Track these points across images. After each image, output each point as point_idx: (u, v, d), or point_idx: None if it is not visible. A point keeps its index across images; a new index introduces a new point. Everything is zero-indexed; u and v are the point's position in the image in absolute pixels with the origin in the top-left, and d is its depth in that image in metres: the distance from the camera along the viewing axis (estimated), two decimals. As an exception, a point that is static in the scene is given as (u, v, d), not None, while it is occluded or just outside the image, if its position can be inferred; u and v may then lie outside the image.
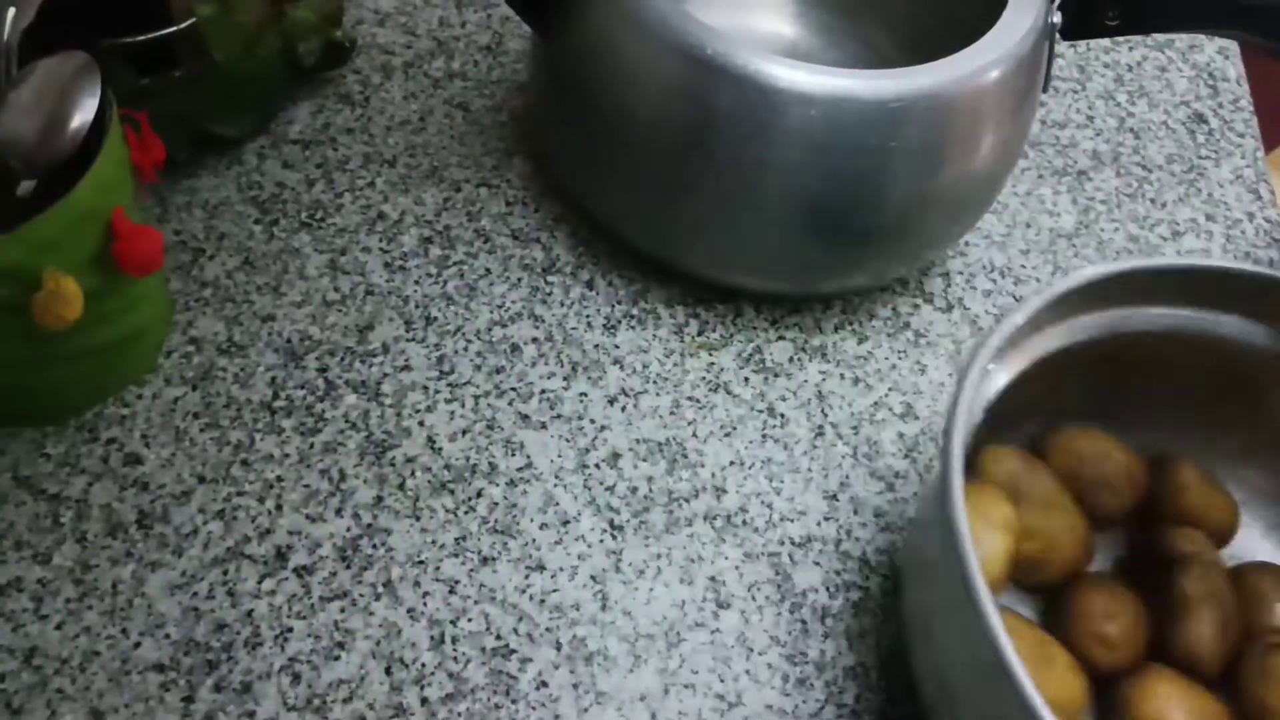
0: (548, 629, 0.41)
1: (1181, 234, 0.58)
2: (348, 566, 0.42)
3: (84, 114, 0.39)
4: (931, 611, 0.37)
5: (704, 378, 0.48)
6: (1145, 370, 0.43)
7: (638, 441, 0.46)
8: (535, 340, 0.49)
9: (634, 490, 0.45)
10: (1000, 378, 0.39)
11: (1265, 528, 0.45)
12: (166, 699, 0.38)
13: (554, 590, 0.42)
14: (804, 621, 0.42)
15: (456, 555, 0.42)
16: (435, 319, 0.49)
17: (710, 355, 0.48)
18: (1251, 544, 0.45)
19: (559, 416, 0.46)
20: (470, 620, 0.41)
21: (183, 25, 0.47)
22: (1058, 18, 0.46)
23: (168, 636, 0.39)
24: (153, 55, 0.47)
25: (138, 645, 0.39)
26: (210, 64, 0.48)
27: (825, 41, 0.59)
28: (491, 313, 0.49)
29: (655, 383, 0.48)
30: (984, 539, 0.37)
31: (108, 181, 0.39)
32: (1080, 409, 0.43)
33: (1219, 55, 0.67)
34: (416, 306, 0.49)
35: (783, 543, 0.44)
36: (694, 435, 0.47)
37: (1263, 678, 0.38)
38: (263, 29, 0.50)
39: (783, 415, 0.48)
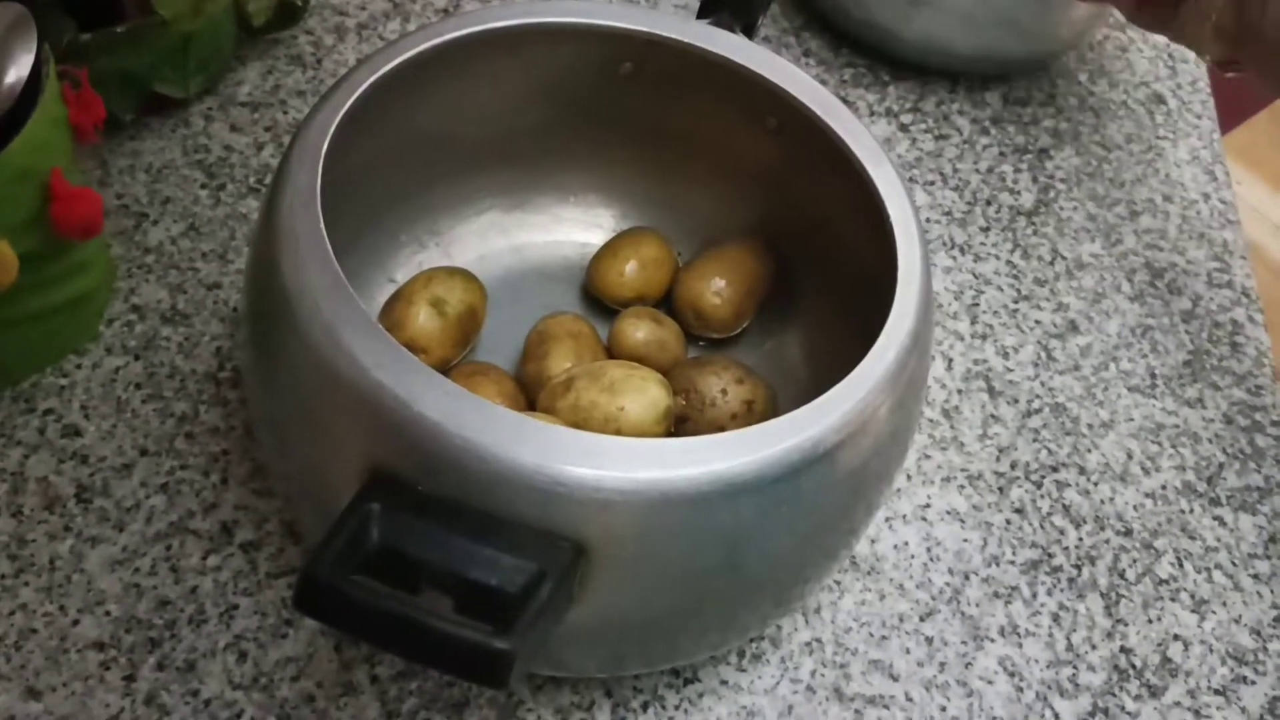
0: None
1: (1139, 214, 0.58)
2: (296, 542, 0.41)
3: (18, 70, 0.37)
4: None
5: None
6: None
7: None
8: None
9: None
10: None
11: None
12: (107, 678, 0.37)
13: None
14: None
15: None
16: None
17: None
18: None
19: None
20: (422, 597, 0.40)
21: (126, -21, 0.45)
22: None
23: (108, 613, 0.38)
24: (95, 9, 0.45)
25: (76, 622, 0.38)
26: (156, 20, 0.46)
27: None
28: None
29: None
30: None
31: (43, 141, 0.37)
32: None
33: (1179, 36, 0.67)
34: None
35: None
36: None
37: None
38: (210, -15, 0.48)
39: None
